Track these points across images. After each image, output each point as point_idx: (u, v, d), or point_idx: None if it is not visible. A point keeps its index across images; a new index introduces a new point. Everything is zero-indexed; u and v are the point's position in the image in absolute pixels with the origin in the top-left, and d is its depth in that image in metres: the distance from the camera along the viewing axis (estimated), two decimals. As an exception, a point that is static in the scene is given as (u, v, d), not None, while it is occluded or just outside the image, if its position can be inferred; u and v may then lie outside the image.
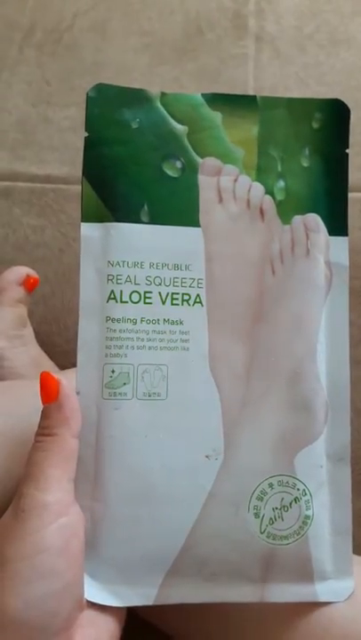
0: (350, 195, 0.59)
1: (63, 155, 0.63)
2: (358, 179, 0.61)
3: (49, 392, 0.33)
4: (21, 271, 0.54)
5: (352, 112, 0.62)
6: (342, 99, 0.62)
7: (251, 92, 0.65)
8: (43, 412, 0.33)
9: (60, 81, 0.66)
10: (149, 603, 0.34)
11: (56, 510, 0.31)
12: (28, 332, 0.56)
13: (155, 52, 0.67)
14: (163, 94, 0.36)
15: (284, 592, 0.35)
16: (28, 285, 0.54)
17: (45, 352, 0.57)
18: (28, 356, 0.54)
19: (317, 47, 0.67)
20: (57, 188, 0.63)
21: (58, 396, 0.33)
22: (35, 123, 0.65)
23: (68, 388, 0.33)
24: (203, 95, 0.36)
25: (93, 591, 0.33)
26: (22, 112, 0.65)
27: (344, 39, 0.67)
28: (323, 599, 0.35)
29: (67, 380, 0.33)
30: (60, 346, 0.59)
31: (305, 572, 0.35)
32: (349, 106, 0.62)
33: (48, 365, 0.55)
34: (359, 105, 0.63)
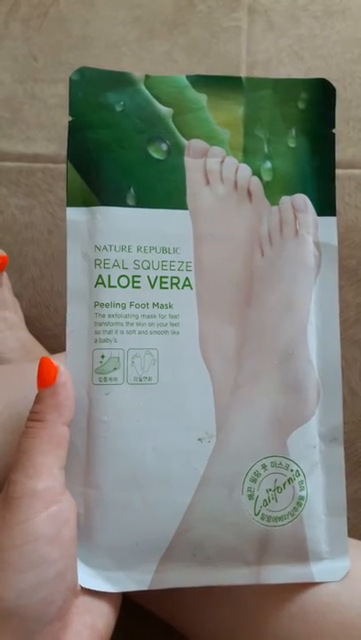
0: (346, 171, 0.60)
1: (51, 133, 0.63)
2: (354, 155, 0.61)
3: (46, 377, 0.34)
4: None
5: (348, 86, 0.63)
6: (338, 72, 0.62)
7: (244, 66, 0.65)
8: (36, 396, 0.34)
9: (47, 56, 0.66)
10: (144, 588, 0.35)
11: (46, 498, 0.31)
12: (13, 314, 0.56)
13: (144, 25, 0.67)
14: (147, 77, 0.37)
15: (280, 573, 0.36)
16: None
17: (36, 336, 0.57)
18: (16, 339, 0.54)
19: (312, 19, 0.67)
20: (45, 168, 0.63)
21: (54, 383, 0.33)
22: (22, 100, 0.65)
23: (65, 376, 0.34)
24: (187, 77, 0.37)
25: (88, 578, 0.34)
26: (8, 89, 0.65)
27: (339, 10, 0.67)
28: (319, 579, 0.36)
29: (64, 368, 0.34)
30: (50, 329, 0.60)
31: (300, 552, 0.36)
32: (345, 79, 0.63)
33: (37, 349, 0.55)
34: (355, 78, 0.64)
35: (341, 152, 0.61)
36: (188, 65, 0.66)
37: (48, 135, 0.63)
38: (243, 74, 0.65)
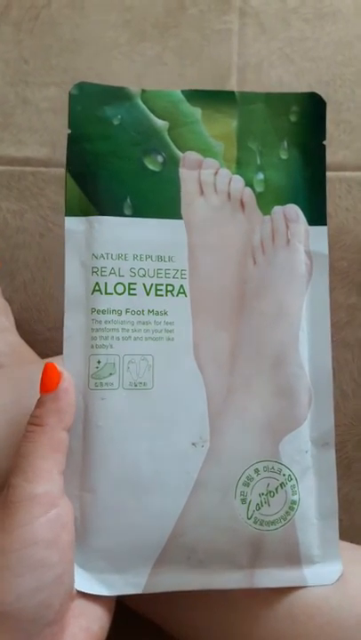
0: (337, 174, 0.61)
1: (43, 136, 0.63)
2: (345, 157, 0.62)
3: (49, 383, 0.34)
4: None
5: (338, 88, 0.64)
6: (328, 74, 0.63)
7: (235, 69, 0.66)
8: (37, 401, 0.34)
9: (38, 59, 0.66)
10: (139, 591, 0.35)
11: (45, 502, 0.32)
12: (4, 318, 0.56)
13: (135, 28, 0.67)
14: (143, 91, 0.38)
15: (273, 577, 0.36)
16: None
17: (26, 340, 0.57)
18: (6, 343, 0.54)
19: (302, 21, 0.67)
20: (36, 171, 0.63)
21: (56, 388, 0.34)
22: (13, 103, 0.65)
23: (68, 382, 0.34)
24: (182, 91, 0.38)
25: (83, 581, 0.35)
26: (0, 92, 0.65)
27: (330, 13, 0.67)
28: (311, 583, 0.37)
29: (68, 374, 0.35)
30: (41, 333, 0.60)
31: (293, 556, 0.37)
32: (335, 82, 0.64)
33: (28, 354, 0.55)
34: (345, 81, 0.64)
35: (332, 154, 0.62)
36: (178, 68, 0.66)
37: (39, 139, 0.63)
38: (234, 76, 0.65)
